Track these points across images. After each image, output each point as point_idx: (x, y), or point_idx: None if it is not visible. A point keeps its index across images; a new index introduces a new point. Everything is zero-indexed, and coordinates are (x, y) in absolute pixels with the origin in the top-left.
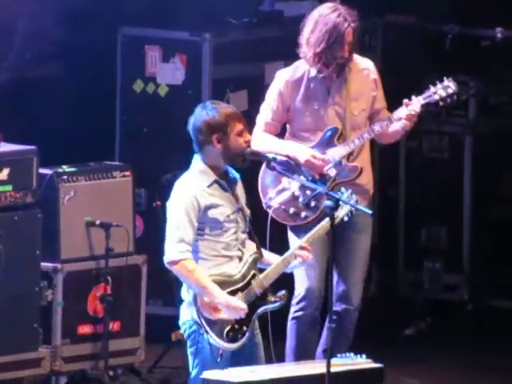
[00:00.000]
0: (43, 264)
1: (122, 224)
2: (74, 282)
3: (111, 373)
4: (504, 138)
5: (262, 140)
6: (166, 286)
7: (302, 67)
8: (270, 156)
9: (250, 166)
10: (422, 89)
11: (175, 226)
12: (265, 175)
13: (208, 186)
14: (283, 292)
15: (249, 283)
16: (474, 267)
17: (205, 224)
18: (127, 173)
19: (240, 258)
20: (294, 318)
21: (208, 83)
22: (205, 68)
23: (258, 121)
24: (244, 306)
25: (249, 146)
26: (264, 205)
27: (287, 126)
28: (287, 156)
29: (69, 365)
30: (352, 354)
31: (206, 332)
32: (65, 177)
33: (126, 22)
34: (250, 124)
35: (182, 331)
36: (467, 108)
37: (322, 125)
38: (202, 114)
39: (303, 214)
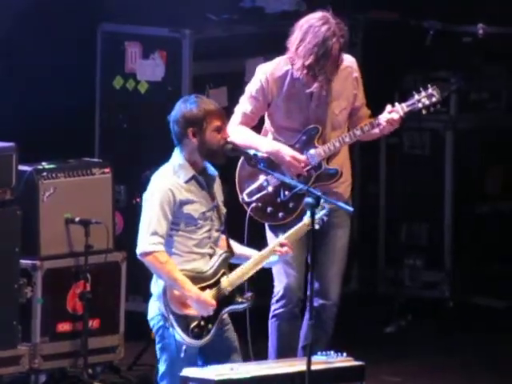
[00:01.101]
0: (22, 261)
1: (101, 221)
2: (53, 279)
3: (90, 370)
4: (485, 134)
5: (241, 133)
6: (146, 283)
7: (285, 66)
8: (251, 153)
9: (226, 160)
10: (402, 86)
11: (149, 219)
12: (242, 170)
13: (185, 182)
14: (250, 294)
15: (218, 281)
16: (455, 264)
17: (180, 219)
18: (107, 170)
19: (211, 256)
20: (274, 316)
21: (188, 80)
22: (185, 64)
23: (236, 111)
24: (214, 302)
25: (228, 143)
26: (241, 200)
27: (266, 119)
28: (266, 154)
29: (48, 362)
30: (332, 352)
31: (172, 326)
32: (44, 173)
33: (105, 18)
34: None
35: (151, 326)
36: (448, 104)
37: (302, 124)
38: (182, 106)
39: (280, 214)
